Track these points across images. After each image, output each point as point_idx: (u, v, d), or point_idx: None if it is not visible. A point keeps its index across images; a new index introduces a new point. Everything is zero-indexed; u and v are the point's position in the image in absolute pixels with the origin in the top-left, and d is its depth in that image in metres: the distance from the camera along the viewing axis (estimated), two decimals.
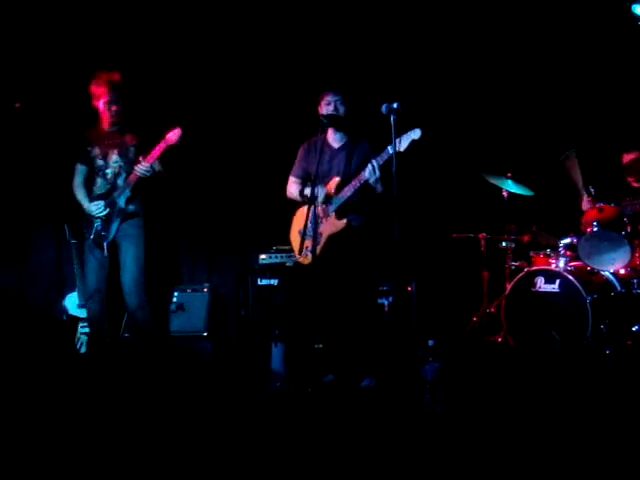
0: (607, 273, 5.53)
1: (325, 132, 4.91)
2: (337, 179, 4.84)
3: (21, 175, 6.03)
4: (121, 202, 5.18)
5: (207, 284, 6.17)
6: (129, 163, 5.19)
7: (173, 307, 5.96)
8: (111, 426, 3.78)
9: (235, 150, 6.52)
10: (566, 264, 5.56)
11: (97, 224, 5.19)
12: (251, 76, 6.48)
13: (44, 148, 6.10)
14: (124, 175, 5.19)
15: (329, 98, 4.84)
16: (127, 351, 5.21)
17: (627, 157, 5.90)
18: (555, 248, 5.71)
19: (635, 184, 5.90)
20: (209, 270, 6.67)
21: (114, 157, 5.22)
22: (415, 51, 6.43)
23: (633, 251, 5.40)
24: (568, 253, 5.61)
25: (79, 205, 5.30)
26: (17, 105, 5.17)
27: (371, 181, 4.67)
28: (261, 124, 6.49)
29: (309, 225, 4.64)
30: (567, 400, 4.17)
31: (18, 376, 4.65)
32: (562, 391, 4.37)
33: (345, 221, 4.79)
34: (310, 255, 4.70)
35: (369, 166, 4.63)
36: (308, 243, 4.72)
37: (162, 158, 5.19)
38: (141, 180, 5.13)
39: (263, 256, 6.00)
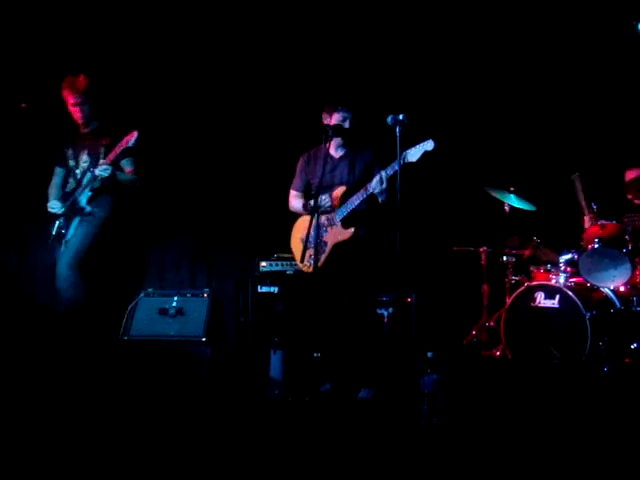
0: (607, 290, 5.54)
1: (329, 143, 4.93)
2: (343, 188, 4.85)
3: (22, 167, 6.02)
4: (82, 201, 5.29)
5: (207, 289, 6.16)
6: (97, 163, 5.30)
7: (172, 311, 5.97)
8: (108, 429, 3.78)
9: (237, 157, 6.56)
10: (566, 280, 5.57)
11: (59, 221, 5.30)
12: (254, 85, 6.52)
13: (45, 143, 6.10)
14: (90, 174, 5.29)
15: (337, 115, 4.83)
16: (126, 354, 5.22)
17: (630, 174, 5.92)
18: (555, 263, 5.73)
19: (636, 201, 5.91)
20: (209, 276, 6.68)
21: (84, 157, 5.39)
22: (419, 64, 6.46)
23: (633, 268, 5.41)
24: (568, 269, 5.63)
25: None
26: (23, 105, 5.21)
27: (376, 191, 4.68)
28: (263, 132, 6.52)
29: (312, 234, 4.64)
30: (564, 415, 4.16)
31: (15, 372, 4.66)
32: (559, 406, 4.36)
33: (352, 230, 4.80)
34: (312, 264, 4.70)
35: (377, 177, 4.65)
36: (311, 252, 4.72)
37: (137, 163, 5.37)
38: (105, 181, 5.24)
39: (264, 263, 6.01)
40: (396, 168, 4.54)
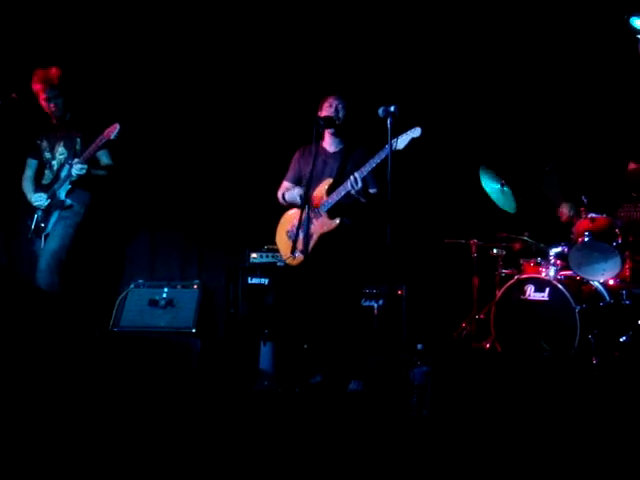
0: (597, 283, 5.55)
1: (322, 138, 4.96)
2: (330, 180, 4.88)
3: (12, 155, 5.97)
4: (61, 194, 5.28)
5: (197, 281, 6.16)
6: (74, 155, 5.27)
7: (162, 303, 5.96)
8: (96, 420, 3.77)
9: (228, 148, 6.54)
10: (556, 273, 5.58)
11: (38, 215, 5.27)
12: (248, 77, 6.49)
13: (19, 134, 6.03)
14: (67, 167, 5.24)
15: (331, 101, 4.90)
16: (115, 345, 5.21)
17: (632, 166, 5.90)
18: (546, 256, 5.74)
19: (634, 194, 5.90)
20: (200, 267, 6.67)
21: (60, 149, 5.35)
22: (412, 57, 6.45)
23: (623, 262, 5.42)
24: (558, 262, 5.64)
25: (24, 196, 5.43)
26: (13, 96, 5.16)
27: (352, 192, 4.71)
28: (256, 124, 6.50)
29: (302, 226, 4.65)
30: (553, 408, 4.18)
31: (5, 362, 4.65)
32: (548, 399, 4.37)
33: (337, 221, 4.81)
34: (301, 255, 4.72)
35: (351, 177, 4.69)
36: (300, 243, 4.73)
37: (113, 151, 5.35)
38: (84, 176, 5.19)
39: (254, 255, 6.01)
40: (367, 170, 4.66)
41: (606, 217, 5.60)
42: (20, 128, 5.73)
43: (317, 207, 4.85)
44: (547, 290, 5.49)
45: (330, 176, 4.91)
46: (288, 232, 5.00)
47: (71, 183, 5.24)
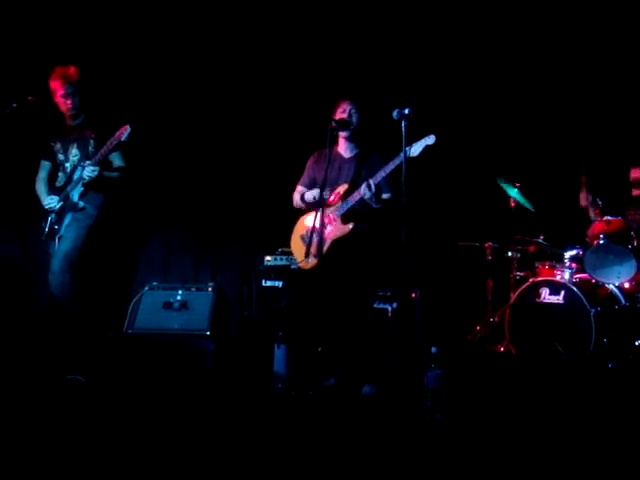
0: (612, 286, 5.53)
1: (336, 142, 4.98)
2: (346, 185, 4.88)
3: (25, 160, 5.98)
4: (74, 197, 5.28)
5: (212, 283, 6.17)
6: (87, 157, 5.28)
7: (177, 305, 5.97)
8: (111, 423, 3.79)
9: (243, 151, 6.54)
10: (571, 276, 5.57)
11: (51, 217, 5.30)
12: (263, 81, 6.50)
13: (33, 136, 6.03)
14: (80, 169, 5.25)
15: (344, 106, 4.92)
16: (130, 347, 5.24)
17: (635, 172, 5.90)
18: (561, 259, 5.72)
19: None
20: (214, 269, 6.68)
21: (73, 151, 5.37)
22: (427, 59, 6.44)
23: (639, 265, 5.39)
24: (573, 265, 5.62)
25: (38, 199, 5.44)
26: (30, 99, 5.20)
27: (366, 198, 4.71)
28: (271, 128, 6.50)
29: (316, 228, 4.65)
30: (567, 412, 4.16)
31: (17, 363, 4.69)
32: (563, 403, 4.36)
33: (351, 226, 4.82)
34: (315, 259, 4.72)
35: (365, 184, 4.69)
36: (313, 247, 4.73)
37: (125, 152, 5.37)
38: (96, 178, 5.21)
39: (268, 258, 6.01)
40: (381, 176, 4.67)
41: (621, 220, 5.58)
42: (35, 130, 5.76)
43: (331, 210, 4.86)
44: (562, 293, 5.47)
45: (345, 181, 4.92)
46: (302, 236, 5.01)
47: (84, 185, 5.26)
